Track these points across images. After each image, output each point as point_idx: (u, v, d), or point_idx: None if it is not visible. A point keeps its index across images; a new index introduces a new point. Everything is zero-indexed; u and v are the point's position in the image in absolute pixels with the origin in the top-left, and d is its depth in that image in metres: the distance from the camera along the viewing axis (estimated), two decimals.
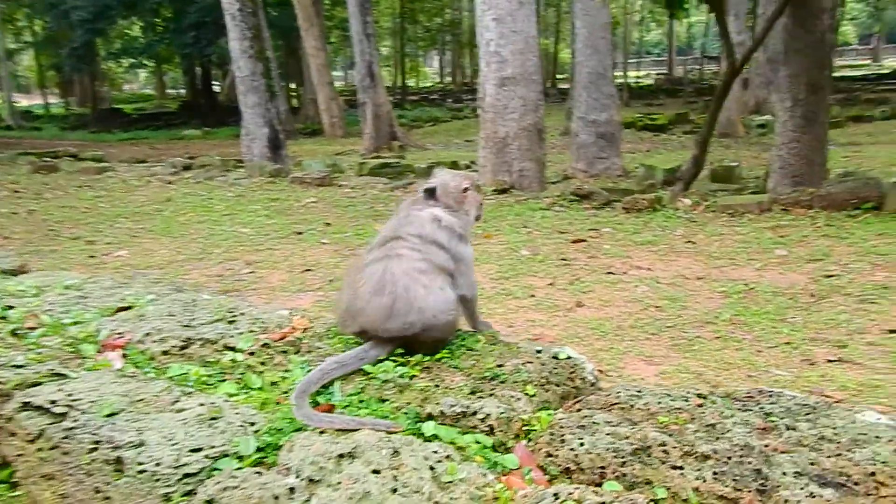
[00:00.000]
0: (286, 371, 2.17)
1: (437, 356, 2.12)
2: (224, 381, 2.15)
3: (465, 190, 2.33)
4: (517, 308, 5.31)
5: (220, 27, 15.56)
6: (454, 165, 13.71)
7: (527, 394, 1.92)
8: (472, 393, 1.92)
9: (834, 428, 1.69)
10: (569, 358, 2.11)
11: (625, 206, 8.62)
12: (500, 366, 2.03)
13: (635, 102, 28.86)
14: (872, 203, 7.71)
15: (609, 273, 6.14)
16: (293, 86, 35.04)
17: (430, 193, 2.28)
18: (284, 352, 2.29)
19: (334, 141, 22.11)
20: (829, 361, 4.20)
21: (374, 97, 19.26)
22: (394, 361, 2.10)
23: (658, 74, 45.95)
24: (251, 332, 2.42)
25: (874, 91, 26.06)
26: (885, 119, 19.73)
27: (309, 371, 2.06)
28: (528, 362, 2.05)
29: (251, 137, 14.24)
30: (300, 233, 8.10)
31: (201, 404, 1.91)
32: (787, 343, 4.48)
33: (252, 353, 2.28)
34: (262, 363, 2.24)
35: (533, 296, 5.58)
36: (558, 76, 43.26)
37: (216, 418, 1.83)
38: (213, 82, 39.24)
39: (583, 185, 9.76)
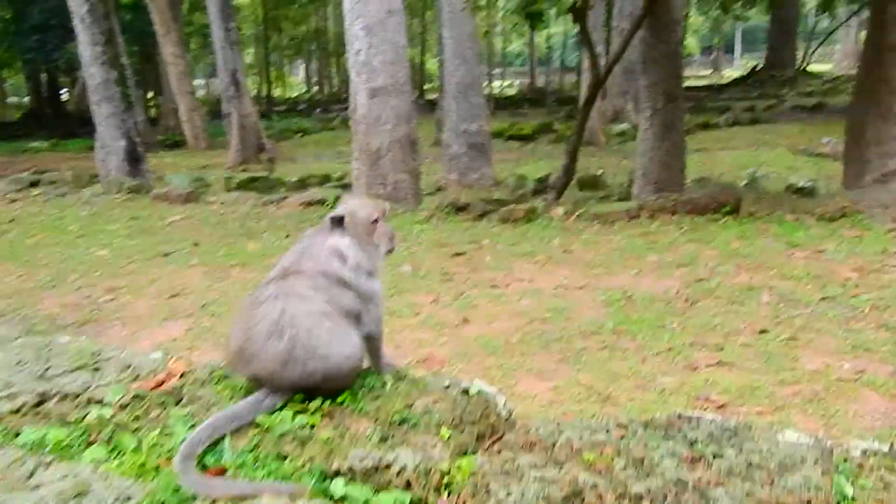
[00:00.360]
0: (166, 428, 1.90)
1: (339, 399, 1.93)
2: (91, 444, 1.85)
3: (376, 221, 2.15)
4: (403, 328, 5.15)
5: (69, 30, 14.44)
6: (326, 178, 13.41)
7: (441, 438, 1.77)
8: (383, 441, 1.74)
9: (760, 452, 1.65)
10: (480, 392, 1.97)
11: (501, 217, 8.68)
12: (408, 406, 1.86)
13: (501, 113, 29.42)
14: (730, 207, 8.14)
15: (493, 287, 6.10)
16: (151, 95, 33.28)
17: (338, 222, 2.09)
18: (162, 403, 2.01)
19: (198, 153, 21.11)
20: (710, 366, 4.33)
21: (239, 107, 18.56)
22: (291, 409, 1.88)
23: (521, 84, 47.28)
24: (120, 381, 2.12)
25: (718, 100, 27.81)
26: (729, 126, 21.08)
27: (194, 427, 1.81)
28: (439, 401, 1.89)
29: (106, 150, 13.28)
30: (166, 254, 7.59)
31: (63, 477, 1.62)
32: (669, 349, 4.58)
33: (123, 407, 1.99)
34: (136, 419, 1.95)
35: (418, 314, 5.45)
36: (425, 87, 43.57)
37: (83, 494, 1.56)
38: (61, 90, 36.62)
39: (459, 196, 9.76)
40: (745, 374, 4.16)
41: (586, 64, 20.67)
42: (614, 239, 7.48)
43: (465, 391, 1.96)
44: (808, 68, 38.16)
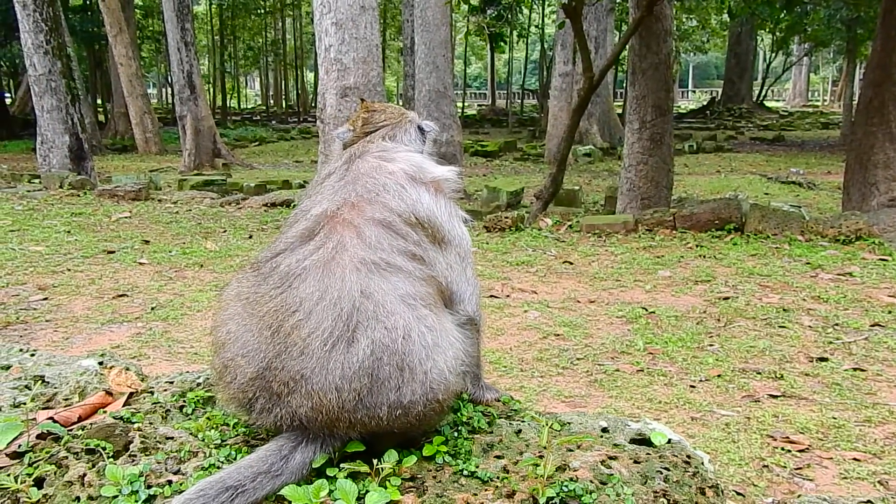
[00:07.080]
0: None
1: (427, 451, 1.07)
2: None
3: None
4: None
5: (11, 28, 13.23)
6: (287, 185, 12.51)
7: None
8: None
9: None
10: (669, 442, 1.15)
11: (486, 225, 7.93)
12: (564, 469, 1.03)
13: (463, 130, 28.89)
14: (734, 224, 7.54)
15: (492, 296, 5.32)
16: (100, 101, 31.64)
17: (417, 128, 1.27)
18: (93, 451, 1.14)
19: (149, 158, 19.82)
20: (773, 397, 3.60)
21: (194, 110, 17.47)
22: (344, 472, 1.02)
23: (480, 106, 46.91)
24: (21, 405, 1.25)
25: (678, 128, 27.60)
26: (693, 153, 20.87)
27: None
28: (610, 458, 1.06)
29: (48, 146, 12.06)
30: (111, 251, 6.61)
31: None
32: (719, 376, 3.85)
33: (19, 458, 1.12)
34: (42, 483, 1.08)
35: None
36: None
37: None
38: (5, 93, 34.61)
39: None
40: (818, 410, 3.44)
41: (556, 82, 20.25)
42: (616, 252, 6.78)
43: (643, 439, 1.14)
44: (763, 104, 38.80)
